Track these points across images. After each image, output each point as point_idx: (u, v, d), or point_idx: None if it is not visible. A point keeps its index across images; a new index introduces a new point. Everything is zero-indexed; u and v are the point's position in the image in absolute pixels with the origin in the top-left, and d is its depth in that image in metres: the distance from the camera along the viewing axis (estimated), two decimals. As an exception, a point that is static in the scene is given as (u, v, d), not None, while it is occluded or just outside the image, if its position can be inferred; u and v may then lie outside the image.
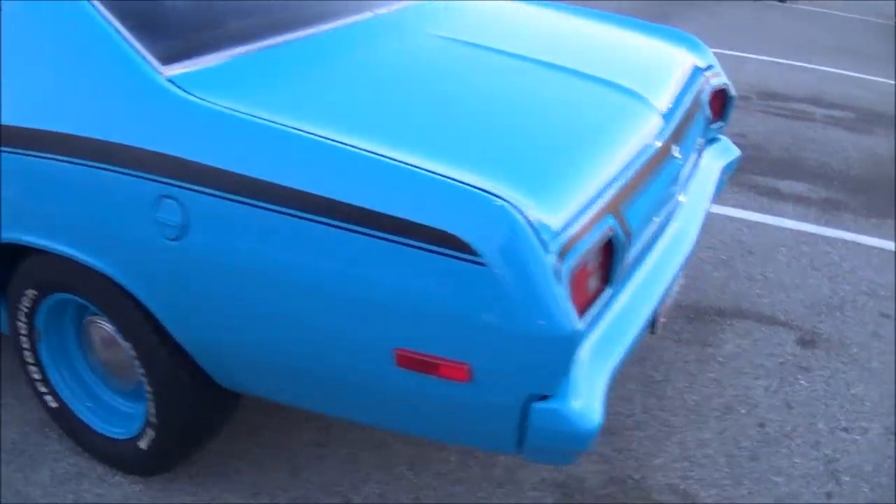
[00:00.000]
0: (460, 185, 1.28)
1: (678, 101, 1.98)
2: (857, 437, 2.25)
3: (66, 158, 1.53)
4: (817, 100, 5.83)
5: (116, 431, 1.86)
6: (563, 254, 1.29)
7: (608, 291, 1.49)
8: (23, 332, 1.85)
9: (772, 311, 2.84)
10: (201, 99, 1.46)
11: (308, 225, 1.33)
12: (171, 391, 1.66)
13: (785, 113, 5.37)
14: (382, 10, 2.13)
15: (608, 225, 1.43)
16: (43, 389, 1.91)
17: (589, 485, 2.01)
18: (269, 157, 1.38)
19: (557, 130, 1.61)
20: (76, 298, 1.73)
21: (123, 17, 1.55)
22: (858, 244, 3.44)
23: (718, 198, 3.76)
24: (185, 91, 1.47)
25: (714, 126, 2.43)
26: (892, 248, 3.43)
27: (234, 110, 1.43)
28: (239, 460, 1.97)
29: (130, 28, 1.54)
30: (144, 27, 1.57)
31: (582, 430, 1.31)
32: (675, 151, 1.85)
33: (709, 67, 2.37)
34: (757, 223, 3.56)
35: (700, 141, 2.20)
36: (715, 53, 2.65)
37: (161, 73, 1.50)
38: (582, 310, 1.37)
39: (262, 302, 1.43)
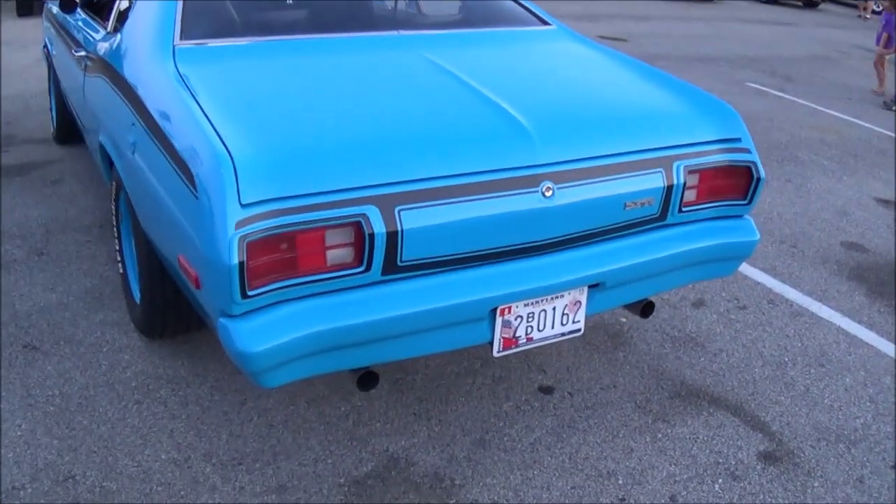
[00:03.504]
0: (211, 133, 1.69)
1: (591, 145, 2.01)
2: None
3: (112, 85, 2.38)
4: None
5: (137, 296, 2.60)
6: (273, 213, 1.57)
7: (358, 270, 1.70)
8: (112, 212, 2.69)
9: (771, 417, 2.56)
10: (177, 64, 2.12)
11: (154, 149, 1.94)
12: (145, 273, 2.33)
13: None
14: (422, 31, 2.66)
15: (363, 213, 1.65)
16: (118, 258, 2.75)
17: (414, 471, 2.17)
18: (164, 111, 1.97)
19: (389, 125, 1.88)
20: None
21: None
22: None
23: (825, 298, 3.33)
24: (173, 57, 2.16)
25: (718, 204, 2.28)
26: None
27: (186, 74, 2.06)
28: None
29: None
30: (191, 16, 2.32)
31: (239, 349, 1.57)
32: (546, 191, 1.88)
33: (728, 140, 2.26)
34: (860, 342, 3.09)
35: (644, 202, 2.12)
36: None
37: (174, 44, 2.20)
38: (279, 265, 1.62)
39: (151, 209, 2.06)
